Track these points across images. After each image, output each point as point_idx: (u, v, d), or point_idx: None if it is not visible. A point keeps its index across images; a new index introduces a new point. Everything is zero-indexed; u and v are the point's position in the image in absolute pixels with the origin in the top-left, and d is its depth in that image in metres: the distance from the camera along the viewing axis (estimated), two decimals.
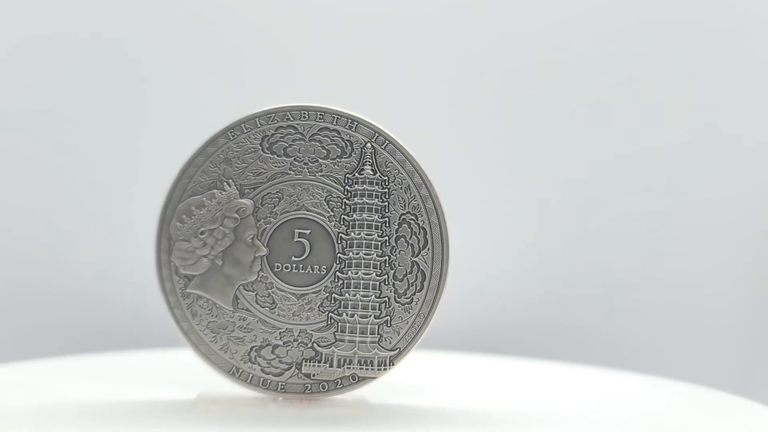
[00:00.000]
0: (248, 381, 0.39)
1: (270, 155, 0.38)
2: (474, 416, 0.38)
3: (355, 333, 0.38)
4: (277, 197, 0.38)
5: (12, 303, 0.60)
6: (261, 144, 0.38)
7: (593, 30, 0.62)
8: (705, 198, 0.61)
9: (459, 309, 0.61)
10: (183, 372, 0.44)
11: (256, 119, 0.39)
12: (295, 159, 0.38)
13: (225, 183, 0.39)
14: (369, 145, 0.38)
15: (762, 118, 0.61)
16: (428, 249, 0.38)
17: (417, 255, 0.38)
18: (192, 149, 0.39)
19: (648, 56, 0.61)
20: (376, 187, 0.38)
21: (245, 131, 0.39)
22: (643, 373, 0.52)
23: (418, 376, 0.47)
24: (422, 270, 0.38)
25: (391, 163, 0.38)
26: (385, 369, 0.39)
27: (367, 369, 0.39)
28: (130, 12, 0.61)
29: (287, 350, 0.39)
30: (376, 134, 0.38)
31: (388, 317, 0.38)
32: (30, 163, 0.60)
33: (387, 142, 0.38)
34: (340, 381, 0.39)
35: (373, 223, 0.38)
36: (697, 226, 0.61)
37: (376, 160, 0.38)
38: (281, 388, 0.39)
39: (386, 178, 0.38)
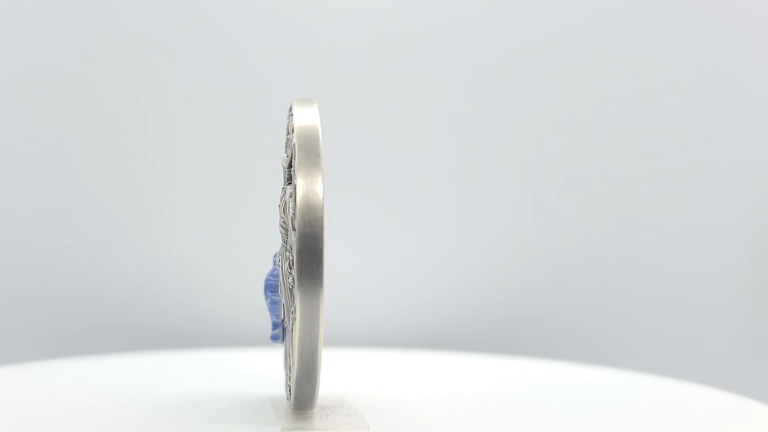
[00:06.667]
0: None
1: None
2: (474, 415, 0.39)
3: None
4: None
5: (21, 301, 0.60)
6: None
7: (591, 36, 0.62)
8: (705, 199, 0.62)
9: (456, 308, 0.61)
10: None
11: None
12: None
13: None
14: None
15: (756, 122, 0.63)
16: None
17: None
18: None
19: (646, 63, 0.62)
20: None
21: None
22: (643, 372, 0.51)
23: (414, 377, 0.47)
24: None
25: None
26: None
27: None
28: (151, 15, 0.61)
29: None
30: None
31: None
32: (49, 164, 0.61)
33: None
34: None
35: None
36: (697, 226, 0.62)
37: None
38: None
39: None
